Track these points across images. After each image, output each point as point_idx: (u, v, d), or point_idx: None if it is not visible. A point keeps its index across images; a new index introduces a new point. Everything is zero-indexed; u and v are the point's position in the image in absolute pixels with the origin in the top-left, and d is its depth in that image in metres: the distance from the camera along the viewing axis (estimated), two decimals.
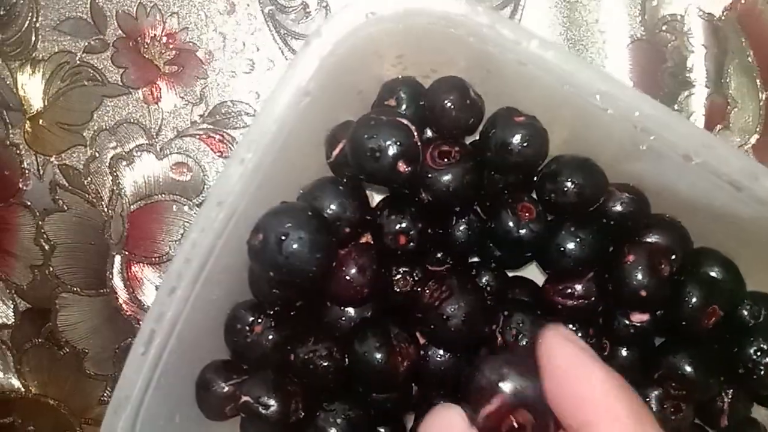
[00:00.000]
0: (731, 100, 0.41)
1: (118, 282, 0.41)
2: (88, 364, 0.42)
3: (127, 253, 0.41)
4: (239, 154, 0.28)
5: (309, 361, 0.35)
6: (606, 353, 0.40)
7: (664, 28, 0.40)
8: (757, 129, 0.41)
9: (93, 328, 0.42)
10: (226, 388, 0.35)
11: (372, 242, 0.35)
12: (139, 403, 0.30)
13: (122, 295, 0.41)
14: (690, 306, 0.35)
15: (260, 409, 0.33)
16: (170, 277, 0.28)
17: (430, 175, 0.34)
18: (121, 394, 0.29)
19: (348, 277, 0.33)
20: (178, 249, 0.29)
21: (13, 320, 0.42)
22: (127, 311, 0.41)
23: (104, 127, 0.40)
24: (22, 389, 0.42)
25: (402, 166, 0.32)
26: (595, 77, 0.29)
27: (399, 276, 0.36)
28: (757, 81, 0.41)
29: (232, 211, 0.29)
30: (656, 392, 0.38)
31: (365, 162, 0.32)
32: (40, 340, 0.42)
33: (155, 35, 0.41)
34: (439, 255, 0.37)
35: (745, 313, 0.39)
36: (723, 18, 0.40)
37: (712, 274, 0.37)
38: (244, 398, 0.34)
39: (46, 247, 0.41)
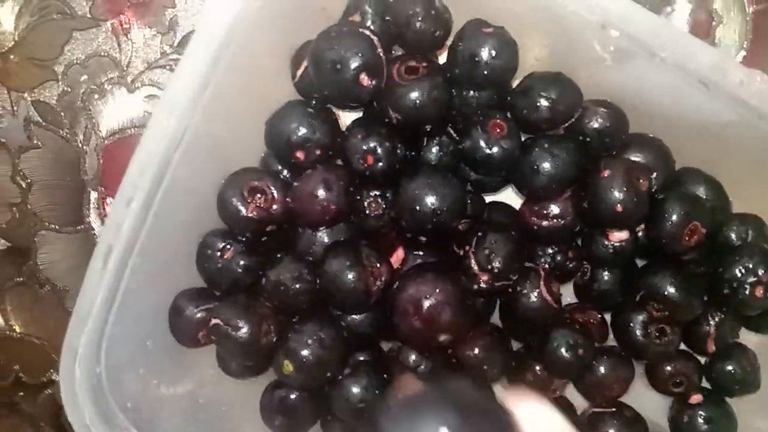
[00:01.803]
0: (716, 15, 0.39)
1: (95, 218, 0.41)
2: (70, 301, 0.42)
3: (103, 189, 0.41)
4: (188, 61, 0.28)
5: (279, 283, 0.35)
6: (587, 277, 0.39)
7: None
8: (744, 45, 0.39)
9: (72, 265, 0.42)
10: (199, 314, 0.35)
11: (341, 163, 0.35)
12: (103, 322, 0.30)
13: (99, 230, 0.41)
14: (670, 223, 0.34)
15: (230, 331, 0.33)
16: (125, 189, 0.28)
17: (397, 92, 0.33)
18: (81, 311, 0.29)
19: (315, 194, 0.33)
20: (132, 159, 0.28)
21: None
22: None
23: (75, 61, 0.40)
24: (6, 329, 0.42)
25: (365, 79, 0.31)
26: None
27: (370, 200, 0.35)
28: None
29: (184, 125, 0.29)
30: (641, 317, 0.38)
31: (326, 76, 0.31)
32: (21, 279, 0.42)
33: None
34: None
35: (732, 234, 0.39)
36: None
37: (694, 191, 0.36)
38: (214, 321, 0.34)
39: (23, 185, 0.41)
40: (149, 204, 0.29)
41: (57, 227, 0.41)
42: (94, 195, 0.41)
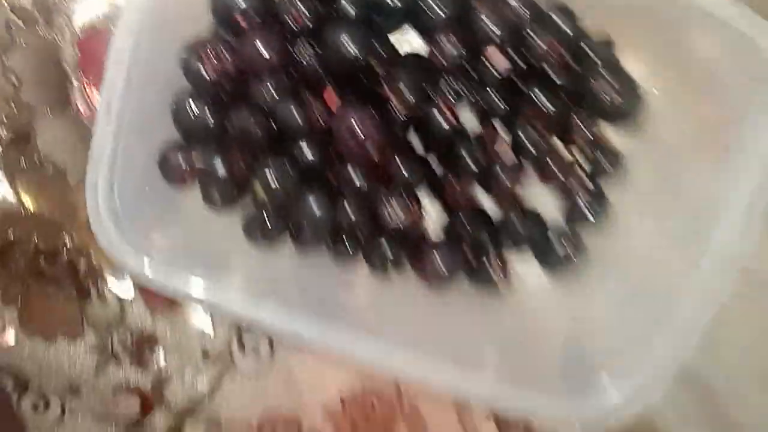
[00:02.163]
0: None
1: (81, 102, 0.49)
2: (71, 177, 0.51)
3: (82, 76, 0.49)
4: None
5: (242, 128, 0.44)
6: (479, 100, 0.49)
7: None
8: None
9: (69, 146, 0.50)
10: (182, 161, 0.44)
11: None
12: (111, 167, 0.39)
13: (85, 112, 0.49)
14: (535, 41, 0.44)
15: (210, 169, 0.43)
16: (113, 54, 0.37)
17: None
18: (95, 155, 0.38)
19: (259, 50, 0.42)
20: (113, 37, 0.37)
21: (1, 149, 0.50)
22: (92, 125, 0.50)
23: None
24: (19, 206, 0.51)
25: None
26: None
27: (302, 49, 0.44)
28: None
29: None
30: (526, 127, 0.48)
31: None
32: (27, 163, 0.51)
33: None
34: None
35: (589, 51, 0.49)
36: None
37: (555, 19, 0.46)
38: (198, 165, 0.43)
39: (14, 81, 0.49)
40: (131, 68, 0.38)
41: (48, 113, 0.50)
42: (76, 83, 0.49)
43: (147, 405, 0.55)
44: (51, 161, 0.50)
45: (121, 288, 0.54)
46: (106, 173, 0.39)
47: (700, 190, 0.46)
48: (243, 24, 0.41)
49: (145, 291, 0.54)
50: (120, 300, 0.53)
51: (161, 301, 0.54)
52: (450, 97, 0.47)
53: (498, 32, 0.42)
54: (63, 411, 0.56)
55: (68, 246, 0.53)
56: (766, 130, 0.41)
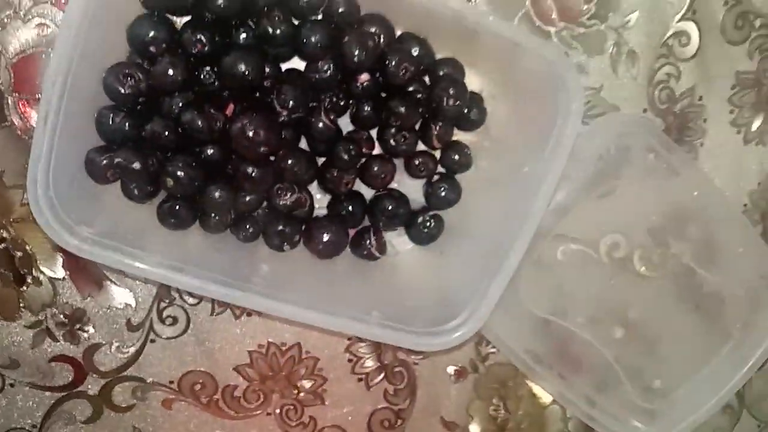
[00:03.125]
0: None
1: (15, 117, 0.58)
2: (7, 178, 0.60)
3: (16, 94, 0.58)
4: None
5: (154, 133, 0.54)
6: (354, 109, 0.61)
7: None
8: None
9: (5, 154, 0.59)
10: (105, 161, 0.54)
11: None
12: (47, 164, 0.48)
13: (20, 125, 0.58)
14: (390, 65, 0.56)
15: (129, 165, 0.53)
16: (49, 75, 0.46)
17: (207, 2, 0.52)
18: (35, 153, 0.47)
19: (167, 72, 0.52)
20: (51, 57, 0.46)
21: None
22: (25, 136, 0.59)
23: None
24: None
25: None
26: None
27: (205, 73, 0.55)
28: None
29: (79, 36, 0.47)
30: (390, 130, 0.61)
31: None
32: None
33: None
34: None
35: (439, 71, 0.62)
36: None
37: (407, 46, 0.59)
38: (117, 160, 0.53)
39: None
40: (63, 87, 0.47)
41: None
42: (11, 99, 0.58)
43: (80, 373, 0.65)
44: None
45: (53, 272, 0.62)
46: (43, 171, 0.48)
47: (527, 174, 0.60)
48: (155, 52, 0.52)
49: (74, 273, 0.63)
50: (52, 282, 0.62)
51: (89, 282, 0.63)
52: (328, 106, 0.59)
53: (363, 59, 0.54)
54: (3, 384, 0.64)
55: (6, 238, 0.61)
56: (566, 126, 0.55)
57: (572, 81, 0.53)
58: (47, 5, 0.56)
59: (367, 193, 0.64)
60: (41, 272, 0.63)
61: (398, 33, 0.59)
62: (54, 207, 0.49)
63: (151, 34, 0.52)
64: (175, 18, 0.54)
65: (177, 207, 0.56)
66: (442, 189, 0.64)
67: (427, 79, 0.61)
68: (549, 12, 0.64)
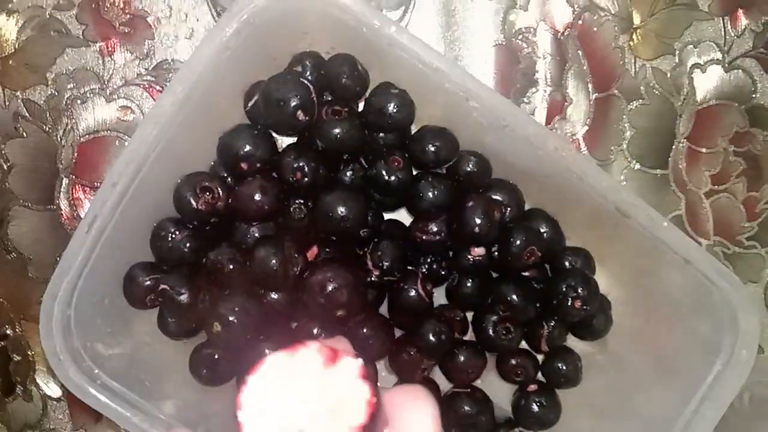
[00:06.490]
0: (568, 97, 0.53)
1: (63, 201, 0.49)
2: (32, 268, 0.50)
3: (73, 176, 0.49)
4: (173, 87, 0.38)
5: (217, 262, 0.44)
6: (455, 283, 0.50)
7: (519, 37, 0.52)
8: (587, 122, 0.53)
9: (38, 238, 0.50)
10: (148, 282, 0.44)
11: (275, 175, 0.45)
12: (78, 276, 0.39)
13: (66, 212, 0.49)
14: (514, 245, 0.46)
15: (175, 295, 0.43)
16: (113, 174, 0.37)
17: (323, 127, 0.44)
18: (65, 264, 0.37)
19: (253, 197, 0.43)
20: (122, 152, 0.38)
21: None
22: (69, 226, 0.50)
23: (64, 71, 0.49)
24: None
25: (300, 115, 0.42)
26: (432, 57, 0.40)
27: (295, 206, 0.45)
28: (589, 85, 0.53)
29: (163, 133, 0.38)
30: (492, 317, 0.49)
31: (272, 109, 0.42)
32: None
33: (114, 1, 0.50)
34: None
35: (565, 261, 0.51)
36: (565, 33, 0.52)
37: (535, 224, 0.49)
38: (163, 286, 0.43)
39: (5, 166, 0.49)
40: (126, 189, 0.38)
41: (29, 204, 0.49)
42: (65, 181, 0.49)
43: None
44: (17, 249, 0.50)
45: (49, 388, 0.51)
46: (68, 288, 0.38)
47: (648, 408, 0.47)
48: (245, 170, 0.43)
49: (73, 397, 0.51)
50: (45, 400, 0.51)
51: (87, 411, 0.51)
52: (425, 272, 0.48)
53: (485, 231, 0.44)
54: None
55: (9, 335, 0.51)
56: (727, 378, 0.42)
57: (748, 322, 0.41)
58: (138, 89, 0.49)
59: (443, 384, 0.51)
60: (36, 385, 0.51)
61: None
62: (68, 329, 0.39)
63: (248, 148, 0.43)
64: (278, 137, 0.46)
65: (216, 357, 0.45)
66: (538, 404, 0.51)
67: (548, 267, 0.50)
68: (704, 220, 0.54)
